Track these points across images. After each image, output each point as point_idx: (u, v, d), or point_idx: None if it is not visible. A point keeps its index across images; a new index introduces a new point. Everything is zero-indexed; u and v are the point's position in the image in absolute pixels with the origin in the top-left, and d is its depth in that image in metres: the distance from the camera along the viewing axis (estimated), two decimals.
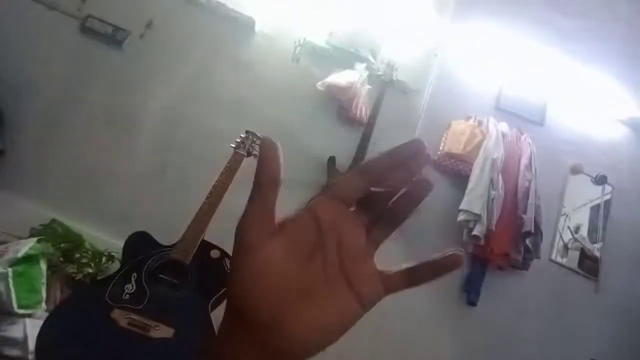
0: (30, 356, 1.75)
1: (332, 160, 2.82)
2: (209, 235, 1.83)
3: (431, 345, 2.78)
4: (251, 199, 0.36)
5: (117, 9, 2.99)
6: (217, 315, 1.68)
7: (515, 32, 3.30)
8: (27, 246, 1.94)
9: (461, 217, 2.76)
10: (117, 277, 1.64)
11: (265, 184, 0.35)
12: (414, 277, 0.37)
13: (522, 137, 3.10)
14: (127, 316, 1.53)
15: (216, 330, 1.66)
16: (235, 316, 0.36)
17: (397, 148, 0.37)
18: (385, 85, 3.02)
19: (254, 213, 0.36)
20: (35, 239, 2.06)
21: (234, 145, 2.05)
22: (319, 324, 0.35)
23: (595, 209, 3.21)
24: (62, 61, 2.90)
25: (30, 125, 2.76)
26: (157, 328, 1.53)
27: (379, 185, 0.37)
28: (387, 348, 2.72)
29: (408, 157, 0.37)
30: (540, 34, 3.27)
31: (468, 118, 3.09)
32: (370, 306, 0.37)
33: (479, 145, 2.93)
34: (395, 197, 0.38)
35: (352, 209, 0.38)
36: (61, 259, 2.15)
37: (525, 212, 2.81)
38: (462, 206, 2.76)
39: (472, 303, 2.81)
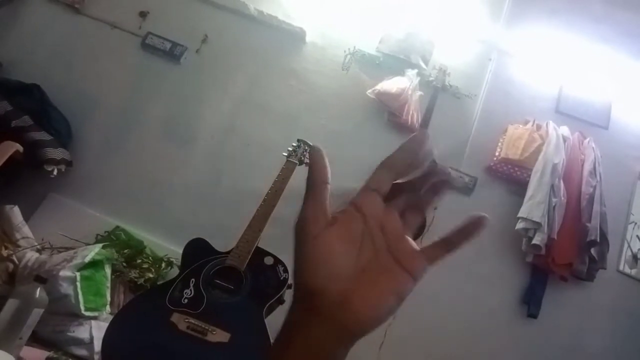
0: (96, 356, 1.84)
1: None
2: (262, 243, 1.86)
3: (489, 359, 2.67)
4: (306, 198, 0.43)
5: (175, 25, 3.13)
6: (271, 321, 1.69)
7: (573, 31, 3.15)
8: (93, 252, 2.03)
9: (520, 225, 2.64)
10: (176, 282, 1.70)
11: (318, 185, 0.43)
12: (448, 245, 0.43)
13: (585, 141, 2.94)
14: (186, 320, 1.58)
15: (270, 335, 1.67)
16: (304, 303, 0.41)
17: (405, 143, 0.45)
18: (438, 90, 2.97)
19: (310, 209, 0.43)
20: (100, 245, 2.16)
21: (286, 154, 2.07)
22: (380, 297, 0.41)
23: None
24: (124, 77, 3.06)
25: (95, 137, 2.92)
26: (214, 332, 1.57)
27: (401, 177, 0.45)
28: None
29: (416, 149, 0.44)
30: (601, 31, 3.10)
31: (526, 122, 2.97)
32: (420, 277, 0.42)
33: (537, 151, 2.81)
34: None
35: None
36: (124, 264, 2.25)
37: (589, 220, 2.66)
38: (520, 214, 2.65)
39: (533, 315, 2.67)
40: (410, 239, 0.44)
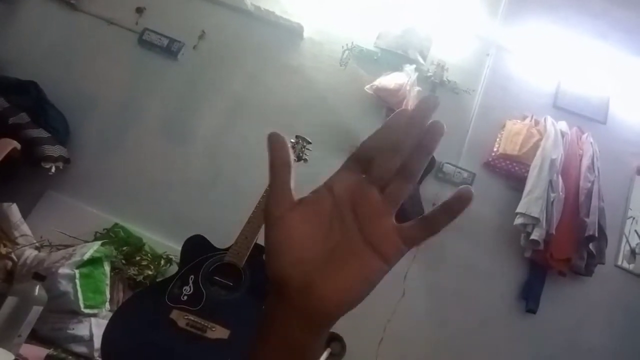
0: (96, 353, 1.84)
1: None
2: (261, 239, 1.86)
3: (488, 355, 2.68)
4: (270, 181, 0.41)
5: (172, 21, 3.12)
6: None
7: (571, 27, 3.14)
8: (92, 249, 2.03)
9: (518, 220, 2.65)
10: (175, 279, 1.70)
11: (278, 167, 0.41)
12: (430, 224, 0.39)
13: (583, 137, 2.94)
14: (186, 317, 1.58)
15: None
16: (274, 289, 0.39)
17: (384, 125, 0.43)
18: (436, 86, 2.97)
19: (273, 192, 0.40)
20: (99, 242, 2.16)
21: None
22: (346, 282, 0.38)
23: None
24: (122, 74, 3.05)
25: (93, 134, 2.91)
26: (213, 329, 1.57)
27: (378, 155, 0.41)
28: (443, 357, 2.66)
29: (392, 126, 0.42)
30: (599, 27, 3.10)
31: (524, 117, 2.98)
32: (395, 260, 0.39)
33: (536, 146, 2.81)
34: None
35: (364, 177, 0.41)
36: (123, 261, 2.25)
37: (587, 215, 2.67)
38: (519, 209, 2.65)
39: (532, 310, 2.68)
40: (389, 218, 0.39)
